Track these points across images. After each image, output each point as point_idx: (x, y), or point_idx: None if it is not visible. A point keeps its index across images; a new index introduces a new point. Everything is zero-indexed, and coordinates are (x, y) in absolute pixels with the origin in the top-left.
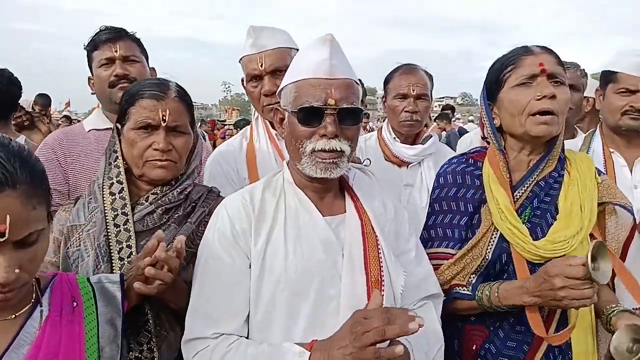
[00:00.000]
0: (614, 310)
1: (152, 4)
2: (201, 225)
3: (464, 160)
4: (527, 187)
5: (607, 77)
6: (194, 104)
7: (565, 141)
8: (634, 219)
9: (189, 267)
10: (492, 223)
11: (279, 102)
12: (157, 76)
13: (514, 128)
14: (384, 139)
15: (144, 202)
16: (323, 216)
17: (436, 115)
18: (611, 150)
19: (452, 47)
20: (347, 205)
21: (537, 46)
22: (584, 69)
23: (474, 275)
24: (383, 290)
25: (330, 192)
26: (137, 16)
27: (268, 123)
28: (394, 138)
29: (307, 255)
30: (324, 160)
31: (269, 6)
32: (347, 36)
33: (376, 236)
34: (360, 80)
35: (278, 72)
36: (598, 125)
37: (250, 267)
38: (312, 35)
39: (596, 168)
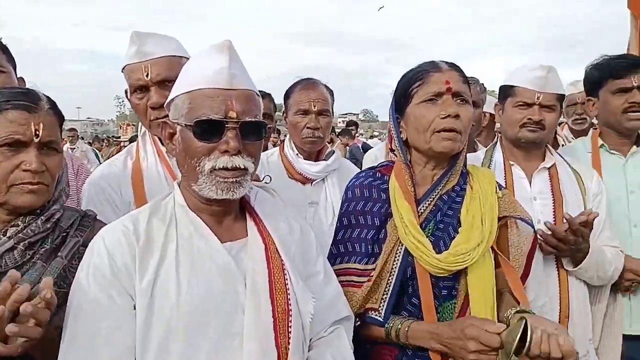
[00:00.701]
0: (510, 314)
1: (54, 15)
2: (75, 259)
3: (371, 174)
4: (431, 201)
5: (506, 92)
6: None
7: (467, 155)
8: (534, 231)
9: (60, 311)
10: (398, 237)
11: (167, 116)
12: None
13: (419, 143)
14: (287, 155)
15: (1, 236)
16: (222, 242)
17: (340, 131)
18: (511, 162)
19: (355, 64)
20: (249, 228)
21: (445, 62)
22: (482, 84)
23: (385, 295)
24: (291, 321)
25: (230, 214)
26: (38, 27)
27: (157, 139)
28: (297, 154)
29: (204, 289)
30: (225, 180)
31: (172, 16)
32: (254, 50)
33: (282, 261)
34: (270, 94)
35: (167, 82)
36: (498, 139)
37: (135, 309)
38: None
39: (497, 183)
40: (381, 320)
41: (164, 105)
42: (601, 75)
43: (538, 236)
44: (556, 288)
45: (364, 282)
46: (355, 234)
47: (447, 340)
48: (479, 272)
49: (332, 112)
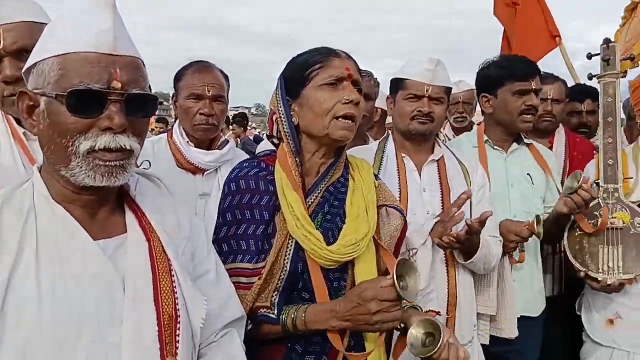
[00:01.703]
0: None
1: None
2: None
3: (255, 164)
4: (319, 192)
5: (397, 85)
6: None
7: (361, 146)
8: (404, 220)
9: None
10: (288, 231)
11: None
12: None
13: (316, 128)
14: (176, 142)
15: None
16: (95, 239)
17: (232, 121)
18: (403, 155)
19: (246, 57)
20: (128, 222)
21: (342, 51)
22: (376, 78)
23: (276, 292)
24: (179, 329)
25: (105, 206)
26: None
27: (11, 118)
28: (187, 142)
29: (72, 297)
30: (106, 163)
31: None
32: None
33: (169, 260)
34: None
35: (24, 52)
36: (391, 131)
37: None
38: None
39: (374, 173)
40: (274, 317)
41: (22, 73)
42: (503, 74)
43: (435, 240)
44: (444, 277)
45: (253, 282)
46: (241, 231)
47: (348, 313)
48: (365, 260)
49: (228, 99)
